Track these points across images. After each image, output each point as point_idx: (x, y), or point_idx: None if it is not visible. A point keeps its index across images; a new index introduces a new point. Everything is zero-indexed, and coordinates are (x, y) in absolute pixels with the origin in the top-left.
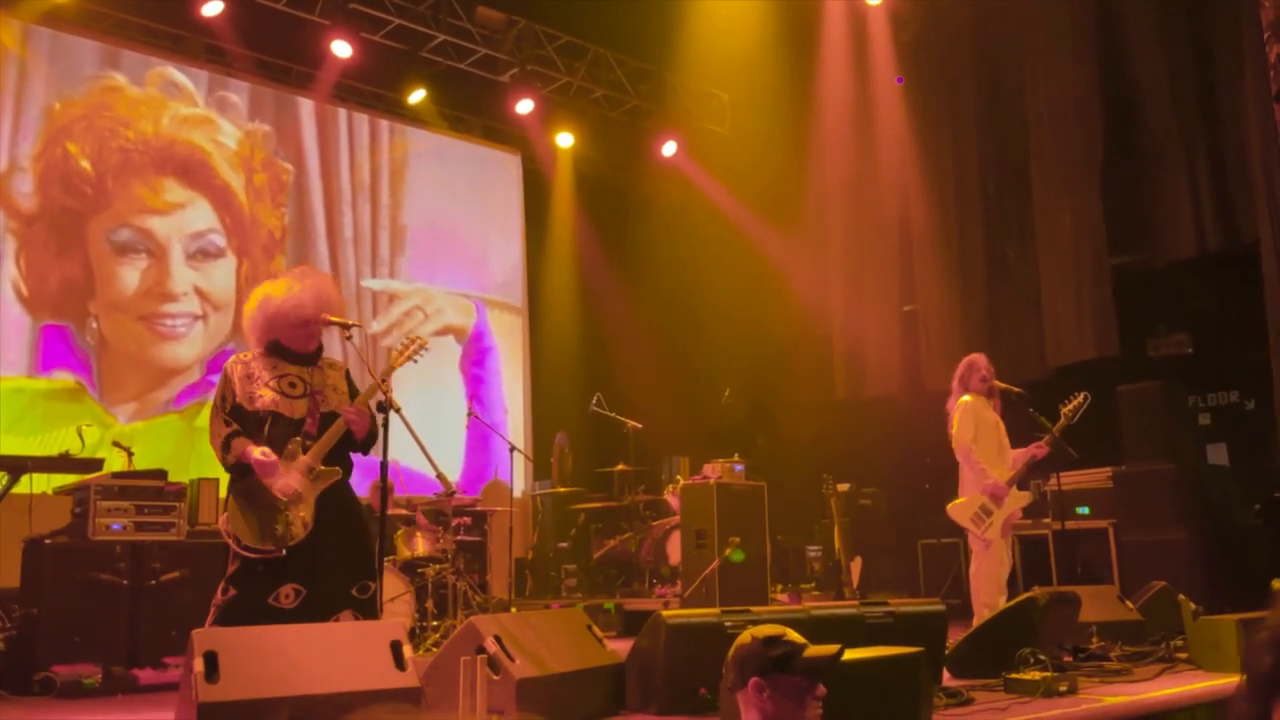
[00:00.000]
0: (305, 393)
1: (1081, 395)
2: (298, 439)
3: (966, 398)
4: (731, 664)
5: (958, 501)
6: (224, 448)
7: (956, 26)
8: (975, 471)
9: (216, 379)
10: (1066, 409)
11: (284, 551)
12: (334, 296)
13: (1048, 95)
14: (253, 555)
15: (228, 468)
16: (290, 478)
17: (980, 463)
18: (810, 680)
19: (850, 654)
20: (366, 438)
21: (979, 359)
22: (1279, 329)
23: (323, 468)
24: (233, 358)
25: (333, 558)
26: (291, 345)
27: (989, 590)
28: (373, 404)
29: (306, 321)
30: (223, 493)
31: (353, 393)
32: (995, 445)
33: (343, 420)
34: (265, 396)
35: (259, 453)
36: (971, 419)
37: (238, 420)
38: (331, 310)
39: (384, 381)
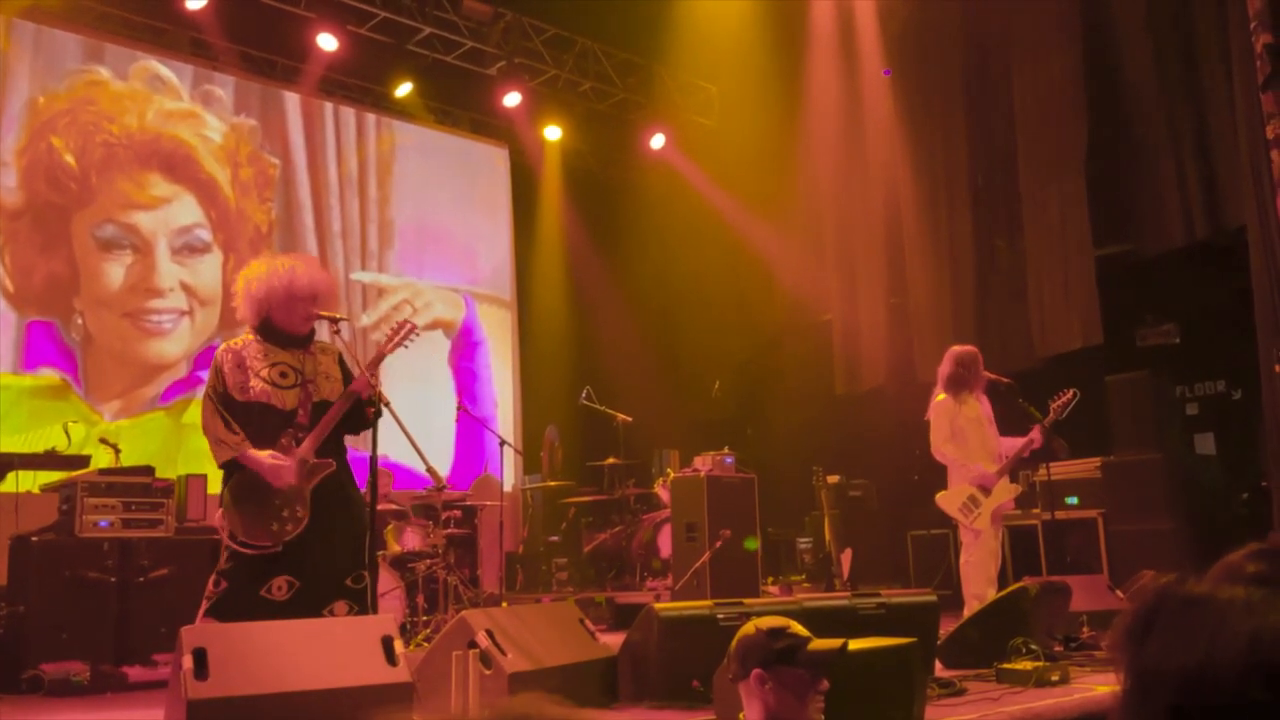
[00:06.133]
0: (297, 382)
1: (1071, 392)
2: (290, 431)
3: (940, 397)
4: (734, 655)
5: (946, 491)
6: (221, 444)
7: (943, 18)
8: (957, 467)
9: (206, 374)
10: (1055, 404)
11: (280, 547)
12: (328, 278)
13: (1034, 85)
14: (248, 550)
15: (223, 463)
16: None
17: (958, 458)
18: (813, 674)
19: None
20: (361, 419)
21: (968, 352)
22: (1266, 319)
23: (316, 460)
24: (222, 346)
25: (326, 548)
26: (285, 326)
27: (979, 581)
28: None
29: (302, 297)
30: (212, 488)
31: (346, 378)
32: (978, 440)
33: (335, 410)
34: (256, 387)
35: (268, 456)
36: (945, 419)
37: (228, 410)
38: (325, 290)
39: (374, 371)
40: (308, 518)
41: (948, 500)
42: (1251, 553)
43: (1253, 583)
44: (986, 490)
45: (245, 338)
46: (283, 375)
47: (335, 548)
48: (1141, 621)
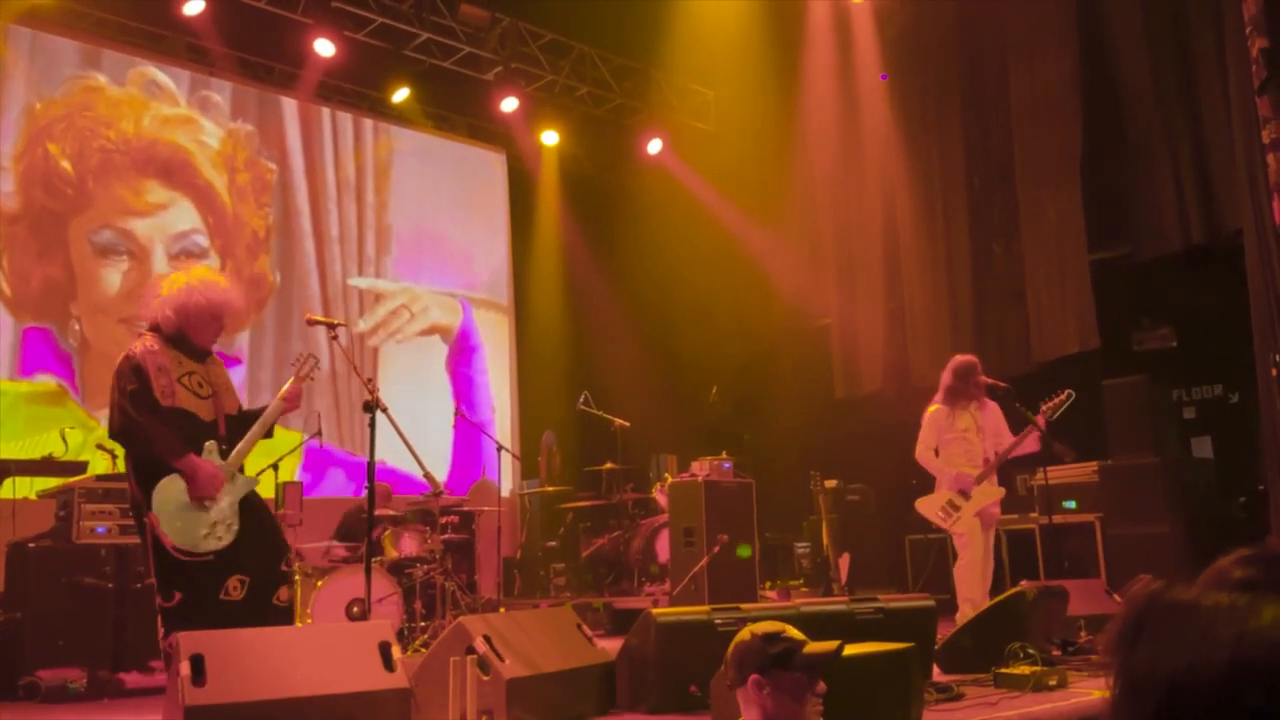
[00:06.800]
0: (210, 394)
1: (1065, 393)
2: (213, 442)
3: (932, 407)
4: (731, 661)
5: (926, 497)
6: (155, 441)
7: (940, 22)
8: (936, 473)
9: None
10: (1047, 405)
11: (212, 556)
12: (242, 306)
13: (1031, 89)
14: (184, 558)
15: (151, 461)
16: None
17: (937, 465)
18: (810, 677)
19: None
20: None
21: (964, 363)
22: (1262, 322)
23: (247, 476)
24: (139, 349)
25: (261, 540)
26: (198, 340)
27: (969, 585)
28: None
29: (226, 319)
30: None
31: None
32: (962, 450)
33: (259, 427)
34: (180, 393)
35: (208, 465)
36: (933, 429)
37: (153, 414)
38: (242, 314)
39: (281, 406)
40: (238, 525)
41: (927, 506)
42: (1239, 558)
43: (1238, 588)
44: (965, 494)
45: (149, 342)
46: (200, 385)
47: (264, 536)
48: (1130, 627)
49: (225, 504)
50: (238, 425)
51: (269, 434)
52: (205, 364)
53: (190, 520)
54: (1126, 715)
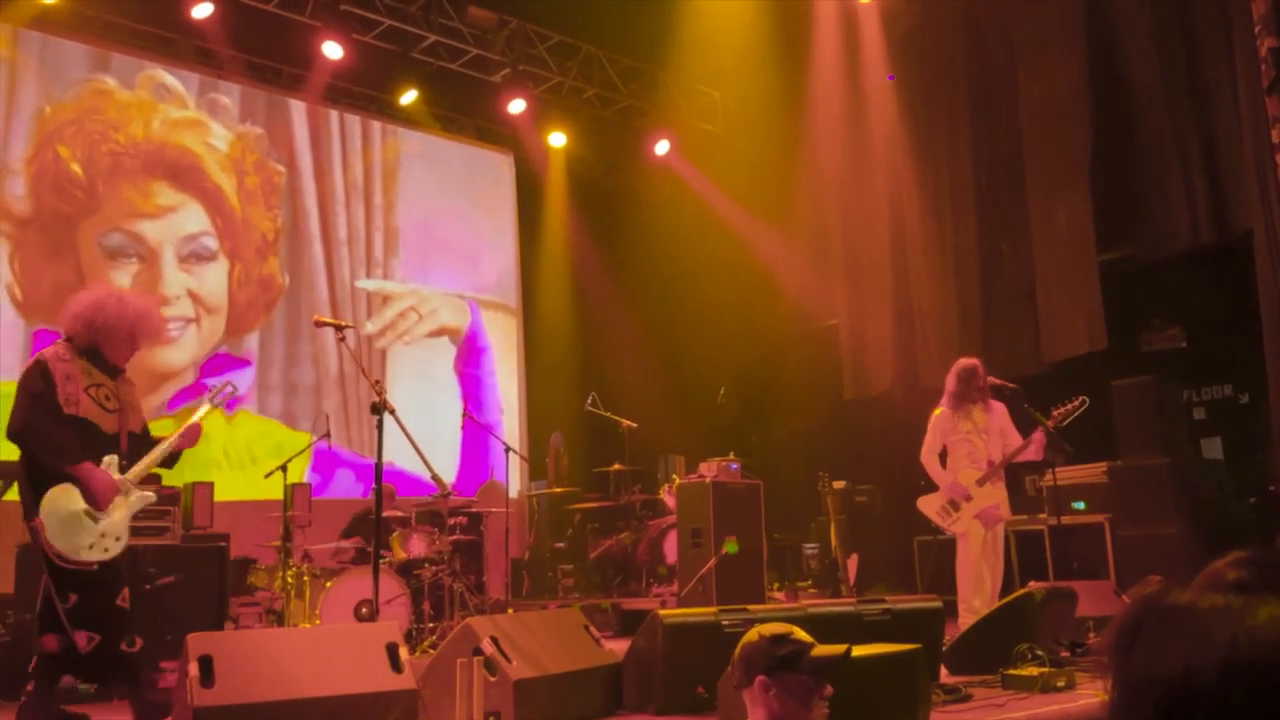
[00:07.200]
0: (117, 408)
1: (1078, 400)
2: (113, 456)
3: (937, 411)
4: (738, 662)
5: (927, 496)
6: (63, 448)
7: (947, 22)
8: (938, 479)
9: (209, 380)
10: (1057, 412)
11: (97, 566)
12: (160, 330)
13: (1039, 89)
14: (65, 566)
15: (49, 470)
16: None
17: (937, 469)
18: (817, 680)
19: None
20: (170, 460)
21: (967, 366)
22: (1273, 322)
23: (137, 491)
24: (50, 354)
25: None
26: (112, 356)
27: (963, 584)
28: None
29: (139, 341)
30: (219, 495)
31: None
32: (966, 453)
33: (160, 450)
34: (84, 403)
35: (105, 476)
36: (937, 433)
37: (52, 418)
38: (153, 340)
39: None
40: (127, 539)
41: (927, 504)
42: (1234, 560)
43: (1232, 590)
44: (958, 498)
45: (60, 350)
46: (107, 399)
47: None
48: (1127, 631)
49: (118, 517)
50: (140, 444)
51: (170, 463)
52: (117, 380)
53: (76, 530)
54: (1125, 719)
